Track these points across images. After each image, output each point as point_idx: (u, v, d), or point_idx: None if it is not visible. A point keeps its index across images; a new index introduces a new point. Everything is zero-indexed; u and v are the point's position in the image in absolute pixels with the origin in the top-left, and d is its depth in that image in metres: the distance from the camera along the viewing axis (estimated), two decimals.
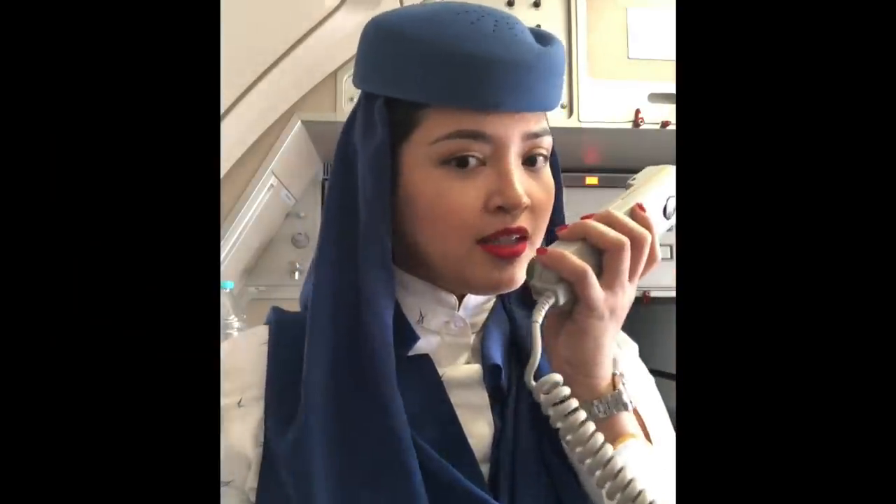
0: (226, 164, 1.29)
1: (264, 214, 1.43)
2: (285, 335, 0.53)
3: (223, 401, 0.49)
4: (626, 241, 0.46)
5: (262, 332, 0.54)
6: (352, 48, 1.54)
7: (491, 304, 0.56)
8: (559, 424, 0.42)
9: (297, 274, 1.61)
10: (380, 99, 0.49)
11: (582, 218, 0.48)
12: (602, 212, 0.48)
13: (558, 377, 0.43)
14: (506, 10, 0.67)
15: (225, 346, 0.53)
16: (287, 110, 1.36)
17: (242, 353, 0.53)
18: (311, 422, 0.46)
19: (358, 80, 0.52)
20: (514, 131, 0.47)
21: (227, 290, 1.34)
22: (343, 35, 1.28)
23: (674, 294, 0.46)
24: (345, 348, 0.48)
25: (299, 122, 1.36)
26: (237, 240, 1.37)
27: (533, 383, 0.43)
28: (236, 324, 1.36)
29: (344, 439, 0.46)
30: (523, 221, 0.48)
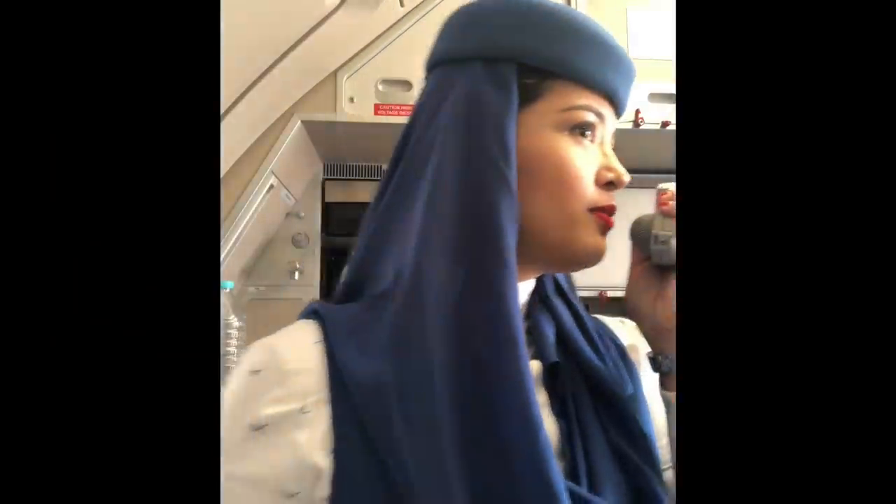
0: (226, 164, 1.29)
1: (264, 214, 1.43)
2: (339, 331, 0.49)
3: (281, 408, 0.45)
4: None
5: (311, 329, 0.50)
6: (352, 48, 1.54)
7: (527, 296, 0.56)
8: None
9: (296, 274, 1.61)
10: (511, 64, 0.51)
11: (658, 188, 0.54)
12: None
13: None
14: None
15: (267, 348, 0.48)
16: (287, 110, 1.36)
17: (295, 353, 0.48)
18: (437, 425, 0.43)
19: (474, 46, 0.53)
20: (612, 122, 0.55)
21: (227, 290, 1.34)
22: (343, 35, 1.28)
23: None
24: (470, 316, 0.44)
25: (299, 122, 1.36)
26: (237, 240, 1.37)
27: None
28: (236, 324, 1.36)
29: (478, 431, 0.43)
30: None
